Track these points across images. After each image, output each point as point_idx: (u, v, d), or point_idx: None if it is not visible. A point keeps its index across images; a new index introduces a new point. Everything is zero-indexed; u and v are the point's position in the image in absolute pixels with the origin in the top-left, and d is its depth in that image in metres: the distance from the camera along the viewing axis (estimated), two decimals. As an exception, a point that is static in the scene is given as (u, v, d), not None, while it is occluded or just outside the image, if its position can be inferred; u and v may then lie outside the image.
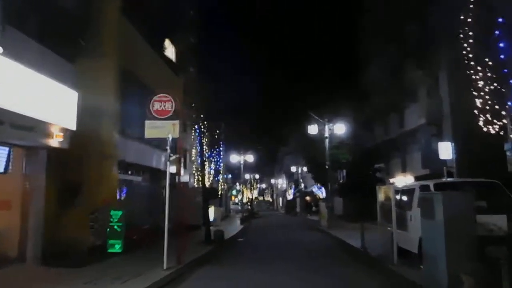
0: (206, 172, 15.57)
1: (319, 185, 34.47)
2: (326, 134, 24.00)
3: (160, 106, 10.33)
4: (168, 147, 9.92)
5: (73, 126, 9.95)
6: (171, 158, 10.26)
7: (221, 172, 16.95)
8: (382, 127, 31.90)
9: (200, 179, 15.64)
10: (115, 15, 13.11)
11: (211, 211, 26.97)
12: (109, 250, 11.47)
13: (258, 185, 61.07)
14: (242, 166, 36.33)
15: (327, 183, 25.32)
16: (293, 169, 49.71)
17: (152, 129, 10.25)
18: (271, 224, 31.61)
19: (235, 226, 26.62)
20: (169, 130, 10.13)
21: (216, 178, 16.07)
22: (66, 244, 10.79)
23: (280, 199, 78.11)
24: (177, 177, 18.42)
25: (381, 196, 10.90)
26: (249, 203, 48.66)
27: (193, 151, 15.93)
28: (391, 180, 26.32)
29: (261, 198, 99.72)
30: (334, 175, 27.00)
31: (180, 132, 17.61)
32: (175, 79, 18.79)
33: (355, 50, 30.67)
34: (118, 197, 13.33)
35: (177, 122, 10.25)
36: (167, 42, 19.96)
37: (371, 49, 29.16)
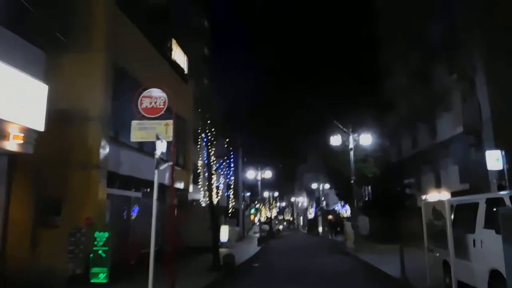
0: (214, 186, 13.47)
1: (342, 202, 31.87)
2: (351, 145, 21.63)
3: (150, 103, 8.40)
4: (157, 152, 7.90)
5: (40, 127, 8.08)
6: (162, 166, 8.25)
7: (232, 187, 14.82)
8: (410, 139, 29.35)
9: (207, 194, 13.59)
10: (107, 7, 11.42)
11: (225, 231, 24.83)
12: (92, 281, 9.43)
13: (278, 203, 58.42)
14: (259, 183, 34.13)
15: (353, 200, 22.80)
16: (314, 186, 47.12)
17: (140, 131, 8.30)
18: (291, 245, 29.05)
19: (252, 248, 24.28)
20: (160, 131, 8.14)
21: (226, 194, 13.98)
22: (39, 273, 8.84)
23: (301, 218, 75.12)
24: (187, 194, 16.51)
25: (428, 213, 8.55)
26: (267, 223, 46.15)
27: (199, 162, 13.89)
28: (423, 197, 23.66)
29: (281, 217, 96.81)
30: (360, 192, 24.49)
31: (189, 143, 15.90)
32: (182, 85, 17.01)
33: (379, 56, 28.56)
34: (106, 216, 11.31)
35: (170, 122, 8.29)
36: (175, 47, 18.35)
37: (397, 54, 27.09)
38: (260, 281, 12.25)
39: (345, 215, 32.23)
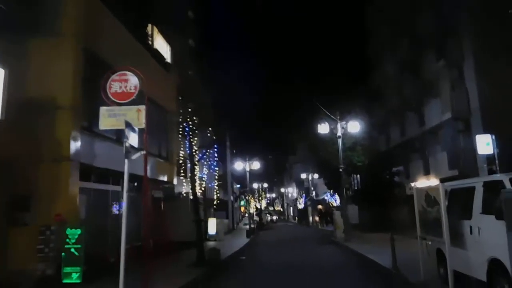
0: (197, 177, 12.85)
1: (331, 192, 31.53)
2: (339, 133, 21.15)
3: (120, 88, 7.73)
4: (126, 139, 7.24)
5: (-4, 115, 7.36)
6: (134, 156, 7.61)
7: (216, 178, 14.19)
8: (398, 128, 29.08)
9: (190, 186, 12.97)
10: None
11: (212, 224, 24.28)
12: (65, 281, 8.77)
13: (267, 195, 58.04)
14: (248, 174, 33.58)
15: (342, 189, 22.40)
16: (303, 176, 46.78)
17: (110, 118, 7.63)
18: (281, 236, 28.65)
19: (240, 240, 23.79)
20: (132, 118, 7.49)
21: (210, 185, 13.36)
22: (7, 274, 8.18)
23: (291, 208, 75.00)
24: (173, 187, 15.85)
25: (420, 200, 8.08)
26: (256, 214, 45.72)
27: (181, 153, 13.24)
28: (413, 184, 23.40)
29: (271, 208, 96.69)
30: (348, 181, 24.12)
31: (172, 134, 15.14)
32: (163, 74, 16.23)
33: (367, 43, 28.05)
34: (80, 212, 10.64)
35: (143, 107, 7.63)
36: (156, 35, 17.56)
37: (385, 41, 26.65)
38: (245, 278, 11.71)
39: (334, 205, 31.92)
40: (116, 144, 12.75)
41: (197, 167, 12.91)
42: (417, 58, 23.20)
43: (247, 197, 41.65)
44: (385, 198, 24.78)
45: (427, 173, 24.35)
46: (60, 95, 9.62)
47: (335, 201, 31.67)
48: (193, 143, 12.82)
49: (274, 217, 63.08)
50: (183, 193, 23.23)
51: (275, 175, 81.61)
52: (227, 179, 38.91)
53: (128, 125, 7.20)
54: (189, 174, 13.02)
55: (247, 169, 32.52)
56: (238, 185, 44.96)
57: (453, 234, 7.08)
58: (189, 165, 13.14)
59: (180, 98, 13.19)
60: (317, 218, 41.90)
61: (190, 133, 12.79)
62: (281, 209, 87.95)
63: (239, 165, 33.39)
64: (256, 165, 33.88)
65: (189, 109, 12.88)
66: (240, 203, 44.99)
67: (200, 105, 13.52)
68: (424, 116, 24.68)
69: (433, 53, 22.38)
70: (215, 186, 14.04)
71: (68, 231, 8.97)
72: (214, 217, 31.97)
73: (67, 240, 8.93)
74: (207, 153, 13.31)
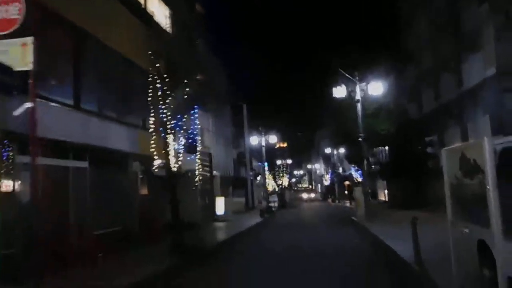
0: (170, 147, 10.47)
1: (355, 166, 28.61)
2: (358, 97, 18.15)
3: (0, 14, 5.30)
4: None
5: None
6: (19, 110, 5.27)
7: (196, 147, 11.85)
8: (431, 91, 25.52)
9: (161, 157, 10.61)
10: None
11: (220, 203, 22.15)
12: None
13: (288, 171, 55.44)
14: (263, 148, 31.11)
15: (362, 161, 19.54)
16: (328, 150, 43.80)
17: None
18: (298, 216, 26.14)
19: (250, 220, 21.53)
20: (15, 55, 5.10)
21: (190, 158, 11.08)
22: None
23: (319, 185, 72.28)
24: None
25: (453, 167, 5.31)
26: (279, 191, 43.36)
27: (151, 119, 10.83)
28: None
29: (300, 186, 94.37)
30: (371, 152, 21.25)
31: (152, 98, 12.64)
32: (142, 30, 13.56)
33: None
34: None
35: (29, 40, 5.22)
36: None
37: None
38: (231, 272, 9.29)
39: (359, 180, 29.02)
40: (78, 113, 10.59)
41: (170, 137, 10.50)
42: (453, 5, 19.73)
43: (264, 174, 39.17)
44: (417, 172, 21.79)
45: (465, 141, 20.97)
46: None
47: (360, 176, 28.72)
48: (164, 108, 10.39)
49: (312, 195, 59.70)
50: (190, 170, 21.14)
51: (303, 151, 78.84)
52: (246, 155, 36.66)
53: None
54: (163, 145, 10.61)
55: (263, 143, 30.01)
56: (259, 163, 42.65)
57: (507, 219, 4.33)
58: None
59: (150, 53, 10.68)
60: (345, 195, 39.12)
61: (159, 95, 10.36)
62: (309, 186, 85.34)
63: (254, 140, 30.93)
64: (273, 139, 31.29)
65: (157, 65, 10.41)
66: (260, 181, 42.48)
67: (178, 64, 11.01)
68: (462, 75, 21.15)
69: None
70: (197, 160, 11.65)
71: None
72: (232, 195, 30.08)
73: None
74: (183, 119, 10.77)
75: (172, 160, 10.63)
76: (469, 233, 5.50)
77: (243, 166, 37.55)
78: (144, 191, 15.11)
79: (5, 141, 8.78)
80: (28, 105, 5.73)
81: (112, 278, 7.89)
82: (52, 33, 10.14)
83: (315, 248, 11.71)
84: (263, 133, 30.72)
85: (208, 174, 22.95)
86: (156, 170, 11.29)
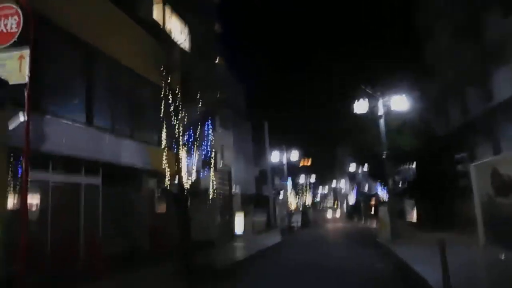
0: (183, 163, 10.13)
1: (382, 185, 27.57)
2: (381, 112, 17.49)
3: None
4: None
5: None
6: (14, 124, 5.04)
7: (211, 163, 11.47)
8: (458, 106, 24.50)
9: (171, 173, 10.25)
10: None
11: (239, 221, 21.62)
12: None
13: (312, 189, 54.35)
14: (285, 166, 30.53)
15: (386, 179, 18.70)
16: (352, 168, 42.70)
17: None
18: (320, 236, 25.17)
19: (269, 240, 20.84)
20: (12, 69, 4.90)
21: (201, 173, 10.72)
22: None
23: (344, 204, 70.53)
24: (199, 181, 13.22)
25: (485, 184, 4.71)
26: (304, 211, 42.32)
27: (164, 133, 10.53)
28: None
29: (325, 204, 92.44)
30: (397, 170, 20.34)
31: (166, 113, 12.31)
32: (153, 45, 13.44)
33: (414, 6, 23.93)
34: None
35: (26, 52, 5.02)
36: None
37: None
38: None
39: (384, 199, 27.93)
40: (88, 128, 10.47)
41: (183, 151, 10.18)
42: (476, 15, 18.98)
43: (287, 192, 38.39)
44: (446, 191, 20.71)
45: (497, 158, 19.85)
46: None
47: (386, 195, 27.65)
48: (176, 122, 10.12)
49: (336, 214, 57.78)
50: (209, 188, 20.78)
51: (327, 169, 77.48)
52: (267, 173, 36.11)
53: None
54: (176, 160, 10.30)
55: (284, 161, 29.44)
56: (282, 181, 41.92)
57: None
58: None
59: (162, 68, 10.49)
60: (371, 215, 37.79)
61: (172, 110, 10.10)
62: (334, 205, 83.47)
63: (276, 157, 30.39)
64: (295, 155, 30.69)
65: (168, 80, 10.20)
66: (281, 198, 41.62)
67: (191, 79, 10.80)
68: (492, 88, 20.19)
69: (499, 7, 18.10)
70: (212, 177, 11.26)
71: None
72: (253, 214, 29.44)
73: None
74: (196, 134, 10.45)
75: (184, 176, 10.27)
76: (507, 259, 4.84)
77: (265, 184, 37.00)
78: (161, 209, 14.84)
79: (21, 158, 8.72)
80: (21, 117, 5.47)
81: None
82: (65, 51, 10.16)
83: (331, 270, 10.99)
84: (284, 150, 30.15)
85: (227, 192, 22.56)
86: (168, 187, 10.96)
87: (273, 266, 12.53)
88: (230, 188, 22.30)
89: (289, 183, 44.84)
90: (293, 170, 44.23)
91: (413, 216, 29.15)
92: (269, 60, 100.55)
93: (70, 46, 10.11)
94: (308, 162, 55.60)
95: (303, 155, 49.53)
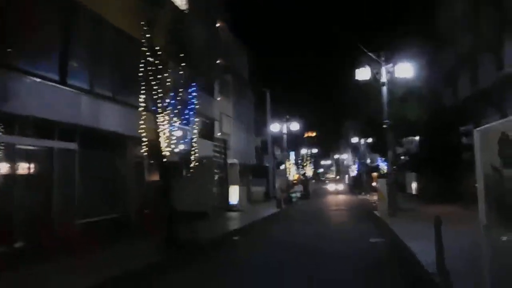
0: (163, 128, 9.34)
1: (382, 157, 26.78)
2: (384, 79, 16.44)
3: None
4: None
5: None
6: None
7: (193, 131, 10.59)
8: (468, 76, 23.24)
9: (150, 139, 9.45)
10: None
11: (234, 192, 21.06)
12: None
13: (313, 160, 53.59)
14: (285, 136, 29.74)
15: (386, 150, 17.84)
16: (354, 140, 41.81)
17: None
18: (317, 208, 24.67)
19: (265, 211, 20.33)
20: None
21: (183, 141, 9.90)
22: None
23: (346, 176, 70.13)
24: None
25: (488, 153, 3.87)
26: (303, 181, 41.81)
27: (141, 97, 9.67)
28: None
29: (329, 176, 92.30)
30: (399, 141, 19.47)
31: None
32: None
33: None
34: None
35: None
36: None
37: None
38: (219, 273, 8.11)
39: (385, 171, 27.19)
40: (55, 85, 9.61)
41: (162, 117, 9.35)
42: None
43: (286, 163, 37.74)
44: (449, 164, 19.90)
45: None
46: None
47: (387, 167, 26.92)
48: (155, 85, 9.22)
49: (339, 186, 56.18)
50: (206, 157, 20.02)
51: (331, 141, 76.68)
52: (268, 143, 35.37)
53: None
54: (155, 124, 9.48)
55: (284, 130, 28.63)
56: (285, 152, 41.13)
57: None
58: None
59: (143, 23, 9.48)
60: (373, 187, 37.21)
61: (149, 70, 9.17)
62: (337, 177, 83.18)
63: (276, 127, 29.58)
64: (295, 126, 29.83)
65: (147, 35, 9.21)
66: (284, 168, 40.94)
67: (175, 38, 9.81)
68: (503, 57, 18.94)
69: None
70: (193, 144, 10.47)
71: None
72: (252, 184, 28.93)
73: None
74: (179, 98, 9.58)
75: (163, 143, 9.48)
76: (503, 239, 4.07)
77: (266, 154, 36.29)
78: (153, 177, 14.11)
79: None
80: None
81: (73, 277, 6.90)
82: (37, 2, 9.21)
83: (319, 247, 10.34)
84: (286, 120, 29.26)
85: (222, 161, 21.89)
86: (146, 153, 10.19)
87: (260, 239, 11.93)
88: (226, 158, 21.62)
89: (292, 154, 44.14)
90: (297, 141, 43.35)
91: (414, 189, 28.53)
92: (275, 28, 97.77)
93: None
94: (313, 134, 54.68)
95: (309, 126, 48.59)
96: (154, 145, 9.35)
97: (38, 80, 9.09)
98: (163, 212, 9.82)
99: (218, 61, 21.90)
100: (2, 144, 8.45)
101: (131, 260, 8.12)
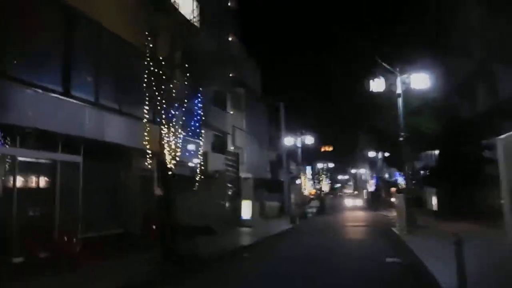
0: (167, 140, 9.03)
1: (399, 172, 25.96)
2: (399, 90, 15.91)
3: None
4: None
5: None
6: None
7: (200, 143, 10.23)
8: (486, 87, 22.46)
9: (154, 151, 9.13)
10: None
11: (247, 207, 20.56)
12: None
13: (329, 175, 52.74)
14: (300, 150, 29.24)
15: (403, 164, 17.17)
16: (371, 154, 40.94)
17: None
18: (332, 225, 23.83)
19: (277, 227, 19.74)
20: None
21: (189, 153, 9.55)
22: None
23: (364, 191, 68.70)
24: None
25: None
26: (318, 197, 41.01)
27: (145, 109, 9.39)
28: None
29: (347, 191, 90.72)
30: (416, 155, 18.75)
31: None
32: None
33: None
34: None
35: None
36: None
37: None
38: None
39: (403, 186, 26.32)
40: (58, 97, 9.45)
41: (166, 128, 9.06)
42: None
43: (301, 178, 37.10)
44: (471, 178, 19.07)
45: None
46: None
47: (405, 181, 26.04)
48: (159, 95, 8.97)
49: (356, 202, 54.16)
50: (224, 171, 19.67)
51: (348, 154, 75.48)
52: (282, 156, 34.84)
53: None
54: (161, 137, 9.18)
55: (299, 144, 28.16)
56: (301, 166, 40.46)
57: None
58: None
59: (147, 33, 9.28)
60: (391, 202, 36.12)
61: (153, 81, 8.93)
62: (354, 192, 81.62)
63: (290, 141, 29.14)
64: (310, 140, 29.33)
65: (151, 45, 9.01)
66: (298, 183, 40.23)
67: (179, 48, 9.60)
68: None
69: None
70: (199, 156, 10.11)
71: None
72: (267, 199, 28.34)
73: None
74: (183, 108, 9.30)
75: (167, 155, 9.17)
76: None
77: (281, 168, 35.76)
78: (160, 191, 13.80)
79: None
80: None
81: None
82: (39, 9, 9.15)
83: (331, 265, 9.77)
84: (300, 133, 28.80)
85: (235, 175, 21.53)
86: (149, 166, 9.90)
87: (263, 259, 11.33)
88: (238, 172, 21.22)
89: (308, 168, 43.45)
90: (313, 155, 42.68)
91: (434, 205, 27.48)
92: (287, 40, 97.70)
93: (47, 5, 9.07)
94: (329, 148, 53.91)
95: (324, 140, 47.89)
96: (158, 157, 9.03)
97: (41, 91, 8.96)
98: (164, 226, 9.46)
99: (230, 74, 21.76)
100: (5, 156, 8.29)
101: (127, 275, 7.76)
